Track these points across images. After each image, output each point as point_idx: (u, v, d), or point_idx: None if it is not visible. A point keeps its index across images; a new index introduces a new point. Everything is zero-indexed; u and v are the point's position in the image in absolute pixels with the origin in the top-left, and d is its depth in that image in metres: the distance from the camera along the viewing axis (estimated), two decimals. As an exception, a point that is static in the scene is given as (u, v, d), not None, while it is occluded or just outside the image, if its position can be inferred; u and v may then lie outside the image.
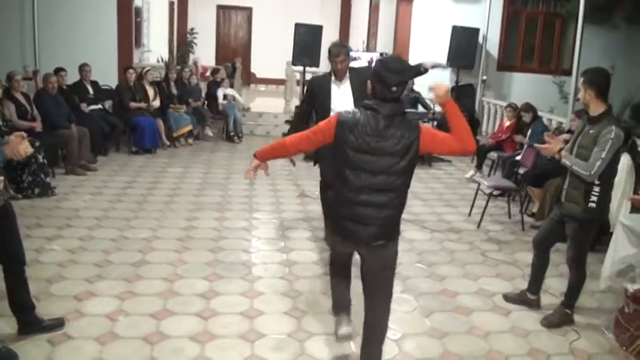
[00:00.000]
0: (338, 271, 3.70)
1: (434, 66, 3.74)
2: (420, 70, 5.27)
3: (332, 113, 4.48)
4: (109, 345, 3.74)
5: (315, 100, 5.18)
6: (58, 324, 3.87)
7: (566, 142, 4.54)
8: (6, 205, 3.48)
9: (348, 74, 5.05)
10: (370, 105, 3.11)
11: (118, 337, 3.83)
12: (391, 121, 3.06)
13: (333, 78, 5.09)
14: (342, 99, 4.93)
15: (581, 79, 4.07)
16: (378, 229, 3.16)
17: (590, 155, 3.93)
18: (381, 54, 12.56)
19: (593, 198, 4.01)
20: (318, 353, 3.81)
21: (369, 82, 3.17)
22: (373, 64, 3.29)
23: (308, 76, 10.64)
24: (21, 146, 3.25)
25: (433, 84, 3.14)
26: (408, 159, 3.08)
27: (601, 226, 4.49)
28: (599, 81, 3.98)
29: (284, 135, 11.85)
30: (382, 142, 3.05)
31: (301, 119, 5.53)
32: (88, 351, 3.66)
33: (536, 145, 4.46)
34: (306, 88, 5.61)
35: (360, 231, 3.17)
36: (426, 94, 10.78)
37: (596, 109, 4.01)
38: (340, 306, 3.74)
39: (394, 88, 3.06)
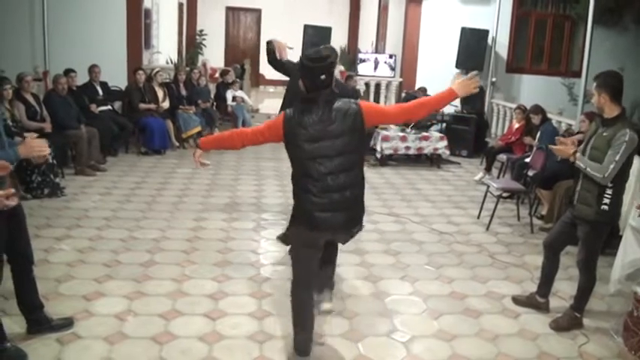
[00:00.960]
0: (303, 296, 3.56)
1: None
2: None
3: None
4: (117, 345, 3.75)
5: (291, 81, 5.23)
6: (67, 323, 3.89)
7: (579, 142, 4.53)
8: (16, 206, 3.49)
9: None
10: (307, 97, 3.30)
11: (126, 337, 3.85)
12: (330, 105, 3.26)
13: None
14: None
15: (594, 84, 4.03)
16: (351, 213, 3.35)
17: (603, 157, 3.92)
18: (390, 56, 12.58)
19: (606, 200, 3.99)
20: (326, 354, 3.80)
21: (299, 81, 3.34)
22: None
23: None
24: (38, 147, 3.24)
25: (462, 77, 3.47)
26: (357, 136, 3.29)
27: (611, 229, 4.47)
28: (612, 84, 3.96)
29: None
30: (330, 126, 3.23)
31: (280, 62, 5.53)
32: (97, 350, 3.67)
33: (550, 146, 4.45)
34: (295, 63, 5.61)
35: (335, 218, 3.30)
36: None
37: (611, 111, 3.99)
38: (304, 347, 3.60)
39: (322, 76, 3.24)
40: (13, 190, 3.05)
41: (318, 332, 3.95)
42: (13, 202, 3.03)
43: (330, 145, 3.23)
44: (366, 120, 3.30)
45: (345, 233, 3.39)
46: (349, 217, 3.35)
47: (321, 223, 3.30)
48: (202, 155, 3.71)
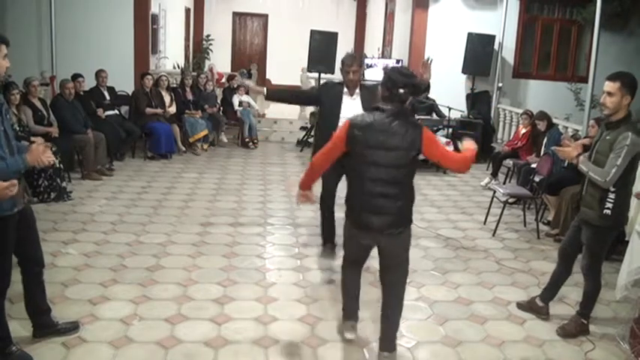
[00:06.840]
0: (350, 274, 3.94)
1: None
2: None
3: (341, 122, 4.73)
4: (123, 349, 3.76)
5: (323, 105, 5.22)
6: (72, 327, 3.90)
7: (585, 145, 4.49)
8: (25, 209, 3.51)
9: (359, 90, 5.07)
10: (376, 106, 3.47)
11: (132, 341, 3.85)
12: (395, 119, 3.39)
13: (345, 89, 5.10)
14: (352, 111, 4.89)
15: (617, 83, 3.87)
16: (392, 218, 3.48)
17: (606, 161, 3.89)
18: (397, 61, 12.58)
19: (608, 205, 3.96)
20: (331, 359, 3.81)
21: (379, 86, 3.51)
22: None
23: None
24: (44, 155, 3.28)
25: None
26: (412, 154, 3.42)
27: (617, 234, 4.44)
28: (635, 88, 3.91)
29: (298, 141, 11.88)
30: (389, 139, 3.38)
31: (301, 96, 5.72)
32: (103, 354, 3.68)
33: (554, 147, 4.42)
34: (320, 85, 5.75)
35: (376, 220, 3.47)
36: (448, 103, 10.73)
37: (620, 114, 3.95)
38: (349, 313, 4.02)
39: (401, 90, 3.39)
40: (16, 182, 3.13)
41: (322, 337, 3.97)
42: (12, 192, 3.11)
43: (383, 155, 3.39)
44: (424, 147, 3.42)
45: (383, 235, 3.51)
46: (388, 222, 3.48)
47: (364, 223, 3.52)
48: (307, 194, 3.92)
